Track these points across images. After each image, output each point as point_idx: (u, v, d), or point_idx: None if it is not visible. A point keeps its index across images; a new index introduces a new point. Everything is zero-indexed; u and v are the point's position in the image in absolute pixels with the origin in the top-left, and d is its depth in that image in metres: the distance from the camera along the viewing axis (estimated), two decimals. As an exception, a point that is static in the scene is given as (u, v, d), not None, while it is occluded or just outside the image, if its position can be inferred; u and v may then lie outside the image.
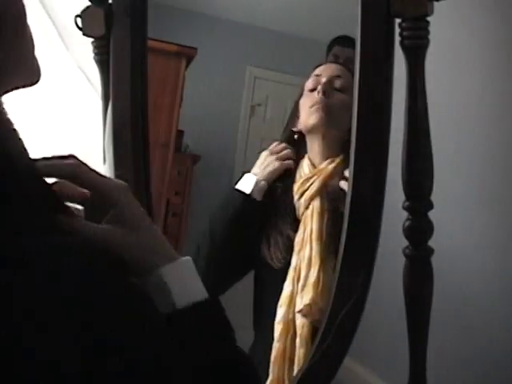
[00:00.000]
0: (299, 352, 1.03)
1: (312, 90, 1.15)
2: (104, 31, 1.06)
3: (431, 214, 0.89)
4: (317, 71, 1.17)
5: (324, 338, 0.94)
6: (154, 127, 1.18)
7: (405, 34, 0.87)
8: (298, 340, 1.04)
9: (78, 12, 1.07)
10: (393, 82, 0.90)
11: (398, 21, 0.88)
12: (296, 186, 1.13)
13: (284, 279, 1.08)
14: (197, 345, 0.50)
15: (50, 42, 1.39)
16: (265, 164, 1.17)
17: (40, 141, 1.26)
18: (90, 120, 1.33)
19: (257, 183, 1.13)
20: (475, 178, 1.35)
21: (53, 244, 0.39)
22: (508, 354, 1.21)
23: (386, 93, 0.90)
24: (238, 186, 1.15)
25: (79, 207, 0.56)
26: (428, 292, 0.89)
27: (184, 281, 0.53)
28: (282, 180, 1.17)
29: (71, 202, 0.56)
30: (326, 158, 1.13)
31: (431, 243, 0.89)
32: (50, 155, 0.52)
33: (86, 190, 0.55)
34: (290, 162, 1.17)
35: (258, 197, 1.13)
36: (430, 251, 0.89)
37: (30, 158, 0.48)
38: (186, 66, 1.40)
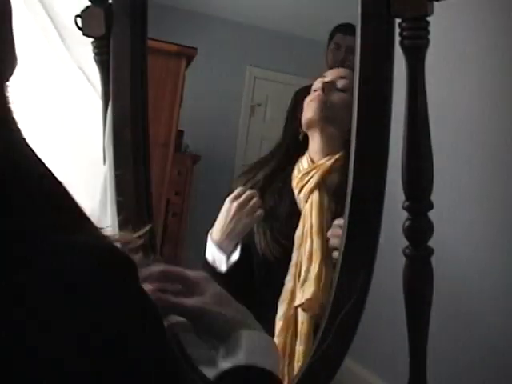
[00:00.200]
0: (299, 349, 1.04)
1: (316, 90, 1.17)
2: (104, 31, 1.07)
3: (431, 214, 0.89)
4: (324, 74, 1.19)
5: (324, 337, 0.94)
6: (154, 127, 1.19)
7: (405, 33, 0.87)
8: (298, 337, 1.04)
9: (78, 12, 1.07)
10: (393, 81, 0.90)
11: (398, 21, 0.88)
12: (295, 181, 1.13)
13: (285, 275, 1.08)
14: None
15: (50, 42, 1.39)
16: (233, 223, 1.10)
17: (40, 141, 1.26)
18: (90, 120, 1.33)
19: (228, 261, 1.09)
20: (475, 177, 1.35)
21: (56, 242, 0.39)
22: (510, 355, 1.21)
23: (386, 93, 0.90)
24: (208, 259, 1.10)
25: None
26: (428, 292, 0.89)
27: (256, 346, 0.62)
28: (281, 178, 1.17)
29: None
30: (326, 155, 1.13)
31: (431, 243, 0.89)
32: None
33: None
34: (260, 212, 1.11)
35: (236, 267, 1.10)
36: (430, 251, 0.89)
37: (34, 155, 0.47)
38: (186, 66, 1.40)
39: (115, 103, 1.08)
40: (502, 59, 1.30)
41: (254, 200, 1.11)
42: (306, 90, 1.21)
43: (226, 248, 1.10)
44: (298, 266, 1.07)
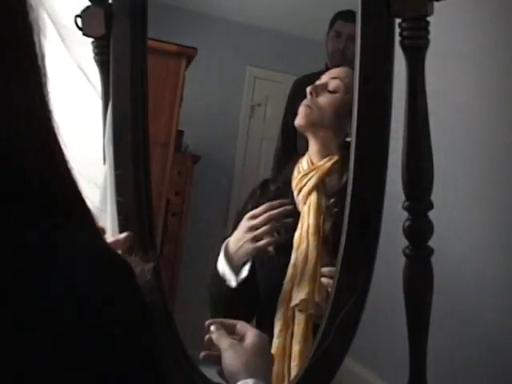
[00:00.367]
0: (294, 349, 1.04)
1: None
2: (104, 31, 1.06)
3: (431, 214, 0.89)
4: (322, 76, 1.17)
5: (324, 337, 0.94)
6: (154, 127, 1.18)
7: (405, 33, 0.87)
8: (294, 337, 1.04)
9: (78, 12, 1.07)
10: (393, 81, 0.90)
11: (398, 21, 0.88)
12: (294, 183, 1.13)
13: (284, 277, 1.08)
14: None
15: (50, 42, 1.39)
16: (242, 242, 1.06)
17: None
18: (90, 120, 1.33)
19: (237, 277, 1.06)
20: (475, 177, 1.35)
21: (56, 242, 0.39)
22: (510, 355, 1.21)
23: (386, 93, 0.90)
24: (220, 270, 1.08)
25: None
26: (428, 292, 0.89)
27: None
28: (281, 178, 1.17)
29: None
30: (325, 157, 1.13)
31: (431, 243, 0.89)
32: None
33: None
34: (263, 243, 1.04)
35: (244, 283, 1.08)
36: (430, 251, 0.89)
37: (38, 154, 0.47)
38: (186, 66, 1.40)
39: (115, 103, 1.08)
40: (501, 59, 1.30)
41: (267, 226, 1.05)
42: (306, 79, 1.20)
43: (236, 263, 1.07)
44: (296, 267, 1.07)
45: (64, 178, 0.43)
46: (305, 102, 1.13)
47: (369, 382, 1.48)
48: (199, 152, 1.52)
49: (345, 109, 0.98)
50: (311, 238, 1.07)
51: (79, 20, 1.07)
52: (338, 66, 1.21)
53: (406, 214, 0.89)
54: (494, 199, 1.31)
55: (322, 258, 1.06)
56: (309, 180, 1.11)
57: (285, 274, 1.08)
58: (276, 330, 1.06)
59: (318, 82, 1.15)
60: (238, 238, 1.07)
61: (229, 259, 1.08)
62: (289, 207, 1.07)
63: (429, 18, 0.86)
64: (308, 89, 1.13)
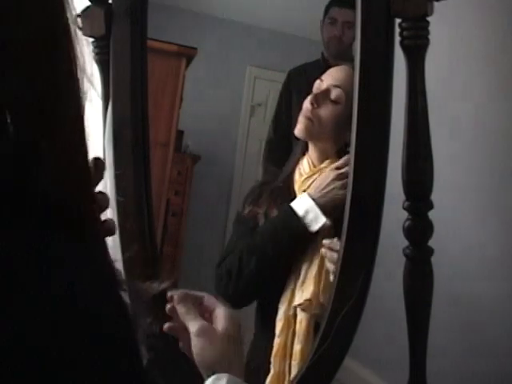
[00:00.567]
0: (296, 348, 1.04)
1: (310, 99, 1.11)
2: (104, 31, 1.06)
3: (431, 214, 0.89)
4: (323, 75, 1.11)
5: (324, 337, 0.94)
6: (154, 127, 1.19)
7: (405, 33, 0.87)
8: (296, 336, 1.04)
9: (78, 12, 1.07)
10: (393, 82, 0.90)
11: (398, 21, 0.88)
12: (297, 185, 1.13)
13: (285, 276, 1.08)
14: None
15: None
16: (328, 188, 1.06)
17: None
18: (89, 120, 1.33)
19: (324, 224, 1.05)
20: (475, 177, 1.35)
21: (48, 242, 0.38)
22: (510, 353, 1.21)
23: (386, 93, 0.90)
24: (299, 214, 1.07)
25: None
26: (428, 292, 0.89)
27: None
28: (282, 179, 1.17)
29: None
30: (326, 159, 1.13)
31: (431, 243, 0.89)
32: None
33: None
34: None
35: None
36: (430, 251, 0.89)
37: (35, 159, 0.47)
38: (186, 66, 1.40)
39: (115, 103, 1.08)
40: (502, 59, 1.30)
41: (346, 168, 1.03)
42: (301, 71, 1.18)
43: (324, 209, 1.06)
44: (299, 267, 1.07)
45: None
46: (306, 113, 1.09)
47: (369, 382, 1.48)
48: (199, 152, 1.53)
49: (346, 121, 0.95)
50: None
51: (79, 20, 1.07)
52: (336, 57, 1.17)
53: (405, 214, 0.89)
54: (493, 199, 1.31)
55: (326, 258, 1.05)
56: (313, 182, 1.11)
57: (286, 274, 1.08)
58: (277, 330, 1.06)
59: (318, 90, 1.10)
60: (323, 187, 1.07)
61: (322, 204, 1.06)
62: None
63: (429, 18, 0.86)
64: (309, 99, 1.09)
